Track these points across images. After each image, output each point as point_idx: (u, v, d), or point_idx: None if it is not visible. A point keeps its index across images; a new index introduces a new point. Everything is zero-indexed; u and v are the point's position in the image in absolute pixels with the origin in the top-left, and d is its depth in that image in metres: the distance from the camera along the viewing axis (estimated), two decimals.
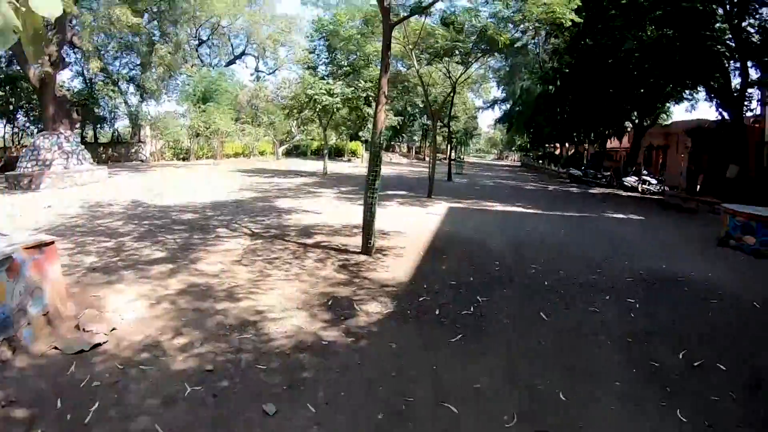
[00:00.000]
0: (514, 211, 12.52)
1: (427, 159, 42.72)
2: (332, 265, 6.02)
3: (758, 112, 18.47)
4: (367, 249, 6.56)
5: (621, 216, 12.89)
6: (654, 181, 21.64)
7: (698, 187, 18.58)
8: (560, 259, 6.79)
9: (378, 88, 6.62)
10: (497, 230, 9.09)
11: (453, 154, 38.61)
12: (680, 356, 3.79)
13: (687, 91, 23.11)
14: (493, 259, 6.63)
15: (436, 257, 6.59)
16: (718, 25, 15.67)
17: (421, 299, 4.87)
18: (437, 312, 4.53)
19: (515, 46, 15.00)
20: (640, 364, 3.64)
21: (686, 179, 19.86)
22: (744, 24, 15.47)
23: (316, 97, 19.33)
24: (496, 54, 18.77)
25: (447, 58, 17.59)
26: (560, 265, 6.46)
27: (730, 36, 15.57)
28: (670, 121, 28.27)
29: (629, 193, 21.38)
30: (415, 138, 53.48)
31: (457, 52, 16.09)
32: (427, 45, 15.43)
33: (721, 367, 3.63)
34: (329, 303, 4.63)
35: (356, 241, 7.11)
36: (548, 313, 4.64)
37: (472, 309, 4.64)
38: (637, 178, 22.26)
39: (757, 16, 15.51)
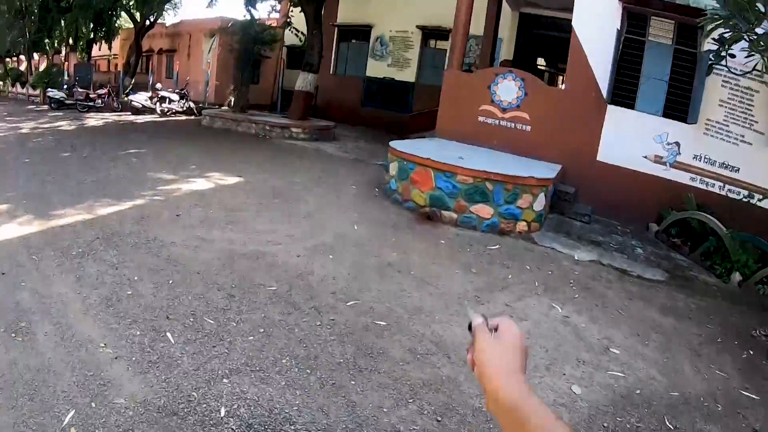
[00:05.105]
0: None
1: None
2: None
3: None
4: None
5: (208, 185, 6.38)
6: (176, 98, 15.49)
7: (231, 100, 13.84)
8: None
9: None
10: None
11: None
12: None
13: None
14: None
15: None
16: None
17: None
18: None
19: None
20: None
21: (232, 93, 14.50)
22: None
23: None
24: None
25: None
26: None
27: None
28: (178, 20, 22.49)
29: (145, 118, 14.44)
30: None
31: None
32: None
33: None
34: None
35: None
36: None
37: None
38: (151, 95, 15.42)
39: None
